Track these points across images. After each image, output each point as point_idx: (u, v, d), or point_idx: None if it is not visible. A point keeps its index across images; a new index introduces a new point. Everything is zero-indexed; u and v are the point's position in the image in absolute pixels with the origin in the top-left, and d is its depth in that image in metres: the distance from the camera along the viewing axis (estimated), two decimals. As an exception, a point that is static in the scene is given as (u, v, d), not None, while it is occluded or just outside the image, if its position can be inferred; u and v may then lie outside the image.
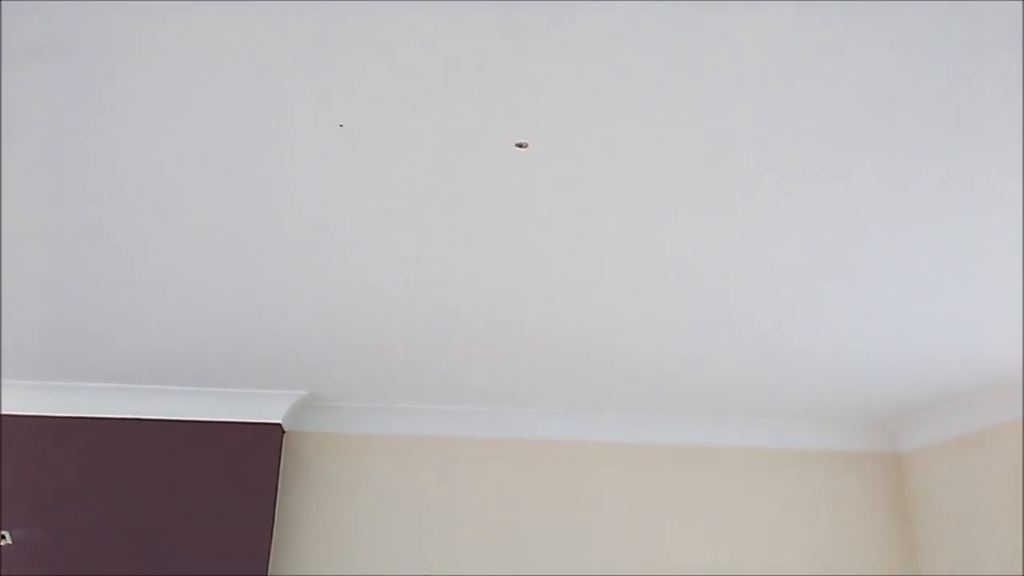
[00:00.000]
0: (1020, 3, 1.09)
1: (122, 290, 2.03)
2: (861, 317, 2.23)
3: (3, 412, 2.77)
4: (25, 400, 2.78)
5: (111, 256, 1.84)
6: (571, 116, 1.35)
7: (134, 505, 2.74)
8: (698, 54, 1.20)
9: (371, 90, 1.28)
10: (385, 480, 3.05)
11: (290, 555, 2.91)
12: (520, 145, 1.44)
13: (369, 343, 2.43)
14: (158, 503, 2.76)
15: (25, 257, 1.84)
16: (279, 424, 2.91)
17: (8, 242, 1.76)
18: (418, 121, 1.36)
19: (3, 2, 1.12)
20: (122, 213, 1.65)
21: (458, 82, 1.26)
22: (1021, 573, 2.77)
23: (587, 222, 1.70)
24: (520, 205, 1.63)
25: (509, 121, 1.36)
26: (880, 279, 1.99)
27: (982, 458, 2.99)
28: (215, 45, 1.18)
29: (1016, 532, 2.81)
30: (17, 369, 2.63)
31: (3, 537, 2.61)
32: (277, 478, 2.87)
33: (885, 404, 3.09)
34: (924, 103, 1.31)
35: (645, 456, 3.24)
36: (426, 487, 3.06)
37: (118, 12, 1.12)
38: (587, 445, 3.21)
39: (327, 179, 1.53)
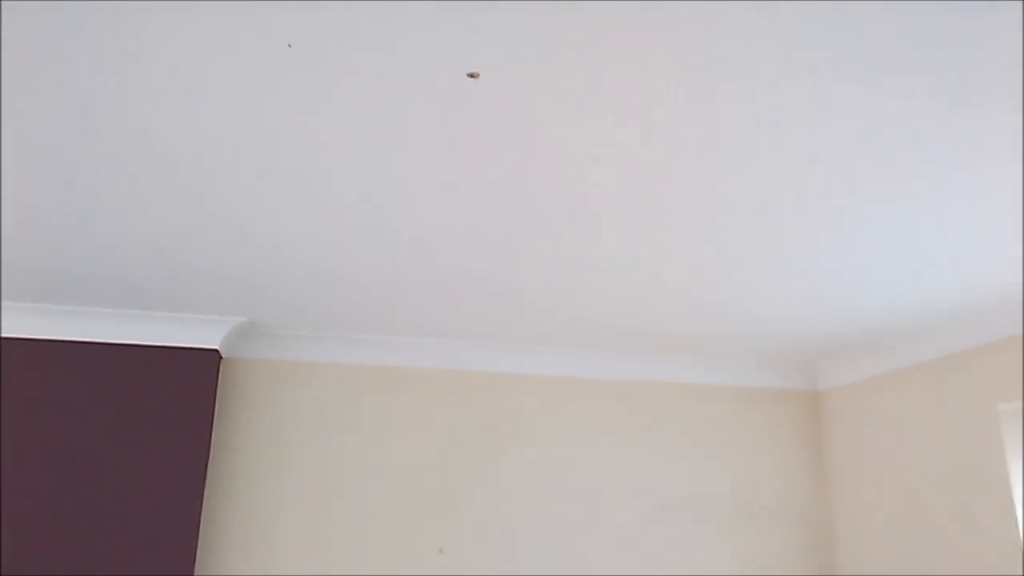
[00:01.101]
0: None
1: (54, 210, 1.96)
2: (785, 262, 2.32)
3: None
4: (-52, 319, 2.69)
5: (43, 177, 1.78)
6: (521, 48, 1.35)
7: (66, 430, 2.71)
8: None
9: (319, 11, 1.26)
10: (324, 409, 3.07)
11: (226, 482, 2.93)
12: (471, 75, 1.43)
13: (309, 271, 2.41)
14: (91, 427, 2.73)
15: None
16: (216, 350, 2.89)
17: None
18: (367, 46, 1.34)
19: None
20: (60, 136, 1.60)
21: (409, 11, 1.25)
22: (920, 504, 2.98)
23: (530, 155, 1.71)
24: (467, 136, 1.63)
25: (460, 51, 1.36)
26: (803, 226, 2.07)
27: (893, 398, 3.18)
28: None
29: (917, 467, 3.02)
30: (-61, 287, 2.54)
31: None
32: (214, 404, 2.86)
33: (806, 345, 3.24)
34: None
35: (581, 389, 3.34)
36: (365, 417, 3.10)
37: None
38: (525, 378, 3.29)
39: (274, 100, 1.50)
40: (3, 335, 2.73)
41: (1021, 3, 1.23)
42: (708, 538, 3.29)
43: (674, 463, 3.35)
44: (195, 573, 2.76)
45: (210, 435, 2.83)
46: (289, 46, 1.35)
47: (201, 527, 2.82)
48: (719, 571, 3.25)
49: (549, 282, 2.50)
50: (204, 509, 2.86)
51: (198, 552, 2.80)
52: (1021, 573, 2.56)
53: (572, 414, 3.30)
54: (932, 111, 1.52)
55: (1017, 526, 2.60)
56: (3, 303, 2.70)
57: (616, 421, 3.34)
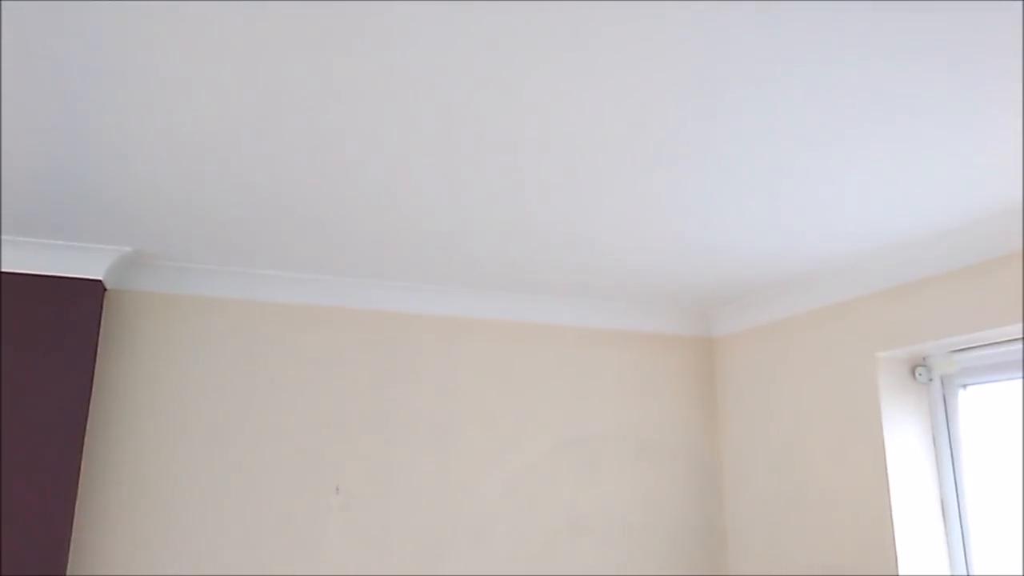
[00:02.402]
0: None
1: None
2: (682, 211, 2.36)
3: None
4: None
5: None
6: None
7: (-72, 360, 2.50)
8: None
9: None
10: (216, 346, 2.96)
11: (110, 421, 2.79)
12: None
13: (196, 200, 2.28)
14: (-43, 359, 2.53)
15: None
16: (99, 281, 2.72)
17: None
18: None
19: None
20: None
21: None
22: (800, 443, 3.16)
23: (409, 82, 1.65)
24: (349, 66, 1.57)
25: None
26: (698, 176, 2.11)
27: (781, 344, 3.34)
28: None
29: (800, 410, 3.19)
30: None
31: None
32: (97, 339, 2.70)
33: (703, 293, 3.34)
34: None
35: (478, 330, 3.34)
36: (258, 355, 3.00)
37: None
38: (425, 318, 3.26)
39: (159, 27, 1.39)
40: None
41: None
42: (602, 476, 3.39)
43: (570, 405, 3.42)
44: (75, 515, 2.63)
45: (93, 372, 2.67)
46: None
47: (82, 468, 2.69)
48: (612, 508, 3.36)
49: (446, 221, 2.47)
50: (86, 449, 2.72)
51: (79, 493, 2.67)
52: (888, 503, 2.76)
53: (469, 355, 3.30)
54: (834, 66, 1.56)
55: (884, 462, 2.80)
56: None
57: (513, 363, 3.37)
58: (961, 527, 2.77)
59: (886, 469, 2.79)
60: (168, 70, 1.59)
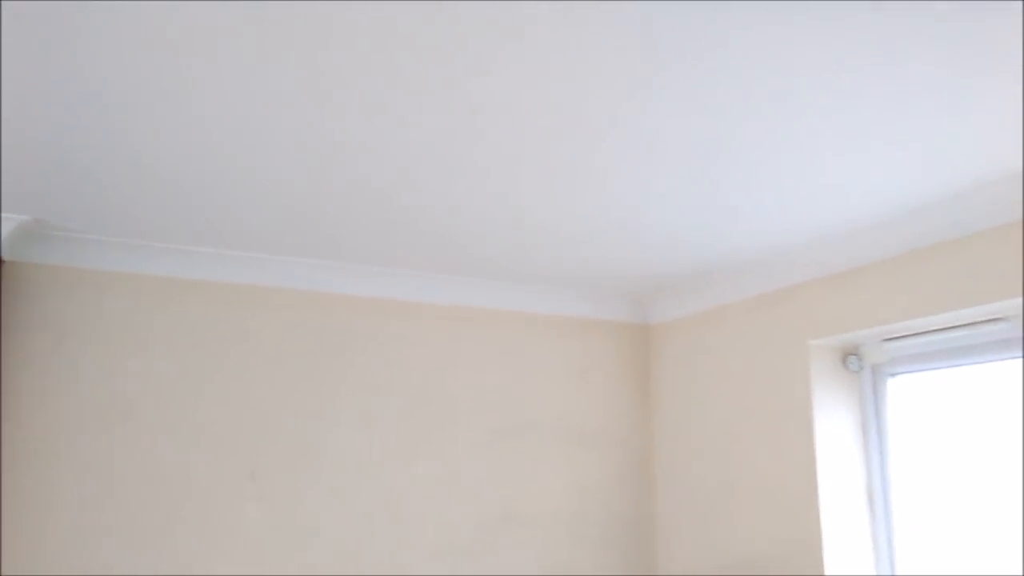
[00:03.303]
0: None
1: None
2: (618, 195, 2.30)
3: None
4: None
5: None
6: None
7: None
8: None
9: None
10: (124, 323, 2.77)
11: (8, 402, 2.59)
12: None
13: (101, 168, 2.12)
14: None
15: None
16: (-5, 252, 2.52)
17: None
18: None
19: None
20: None
21: None
22: (733, 429, 3.14)
23: (328, 53, 1.54)
24: (275, 38, 1.45)
25: None
26: (631, 165, 2.04)
27: (716, 332, 3.31)
28: None
29: (733, 396, 3.17)
30: None
31: None
32: (-7, 313, 2.51)
33: (638, 278, 3.29)
34: None
35: (411, 313, 3.23)
36: (171, 333, 2.83)
37: None
38: (349, 299, 3.13)
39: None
40: None
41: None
42: (535, 465, 3.32)
43: (504, 391, 3.33)
44: (-36, 501, 2.45)
45: (-13, 348, 2.49)
46: None
47: (-26, 451, 2.50)
48: (544, 497, 3.30)
49: (376, 198, 2.35)
50: (-22, 431, 2.53)
51: (-31, 478, 2.48)
52: (815, 491, 2.75)
53: (401, 338, 3.19)
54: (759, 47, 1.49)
55: (814, 450, 2.78)
56: None
57: (447, 347, 3.26)
58: (886, 515, 2.78)
59: (815, 457, 2.78)
60: (71, 20, 1.44)
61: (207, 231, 2.68)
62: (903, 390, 2.82)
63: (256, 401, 2.90)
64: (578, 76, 1.66)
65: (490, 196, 2.35)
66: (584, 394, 3.49)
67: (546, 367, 3.44)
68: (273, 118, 1.86)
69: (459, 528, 3.12)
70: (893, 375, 2.83)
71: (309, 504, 2.90)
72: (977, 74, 1.64)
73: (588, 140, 1.96)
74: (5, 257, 2.60)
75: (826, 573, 2.68)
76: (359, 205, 2.43)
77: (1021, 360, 2.41)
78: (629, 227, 2.61)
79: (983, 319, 2.47)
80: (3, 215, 2.48)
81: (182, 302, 2.86)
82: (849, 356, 2.91)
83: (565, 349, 3.50)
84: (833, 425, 2.84)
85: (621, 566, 3.40)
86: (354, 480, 2.99)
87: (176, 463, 2.75)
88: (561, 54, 1.57)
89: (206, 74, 1.66)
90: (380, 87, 1.71)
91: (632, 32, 1.50)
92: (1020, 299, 2.25)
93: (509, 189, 2.29)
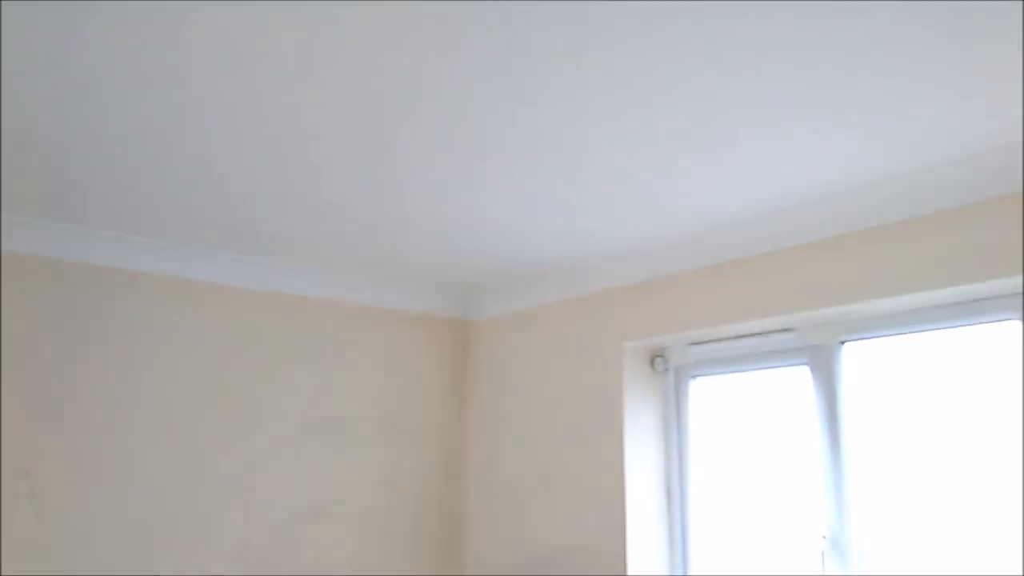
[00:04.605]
0: None
1: None
2: (438, 187, 2.29)
3: None
4: None
5: None
6: None
7: None
8: None
9: None
10: None
11: None
12: None
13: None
14: None
15: None
16: None
17: None
18: None
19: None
20: None
21: None
22: (547, 427, 3.22)
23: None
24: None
25: None
26: (468, 168, 2.04)
27: (535, 331, 3.37)
28: None
29: (549, 395, 3.25)
30: None
31: None
32: None
33: (459, 274, 3.28)
34: None
35: (218, 296, 3.01)
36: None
37: None
38: (147, 277, 2.85)
39: None
40: None
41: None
42: (346, 459, 3.22)
43: (317, 382, 3.20)
44: None
45: None
46: None
47: None
48: (354, 491, 3.21)
49: (184, 167, 2.17)
50: None
51: None
52: (622, 487, 2.87)
53: (204, 323, 2.96)
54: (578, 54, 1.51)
55: (622, 448, 2.91)
56: None
57: (255, 336, 3.08)
58: (682, 510, 2.95)
59: (623, 454, 2.91)
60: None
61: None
62: (703, 391, 3.01)
63: (33, 388, 2.57)
64: (392, 62, 1.61)
65: (309, 179, 2.23)
66: (400, 389, 3.44)
67: (361, 359, 3.34)
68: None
69: (262, 526, 2.96)
70: (695, 377, 3.02)
71: (90, 503, 2.62)
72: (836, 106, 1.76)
73: (393, 127, 1.92)
74: None
75: (628, 566, 2.81)
76: (161, 177, 2.23)
77: (807, 367, 2.65)
78: (452, 223, 2.60)
79: (775, 329, 2.69)
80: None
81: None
82: (656, 358, 3.07)
83: (383, 342, 3.42)
84: (640, 423, 2.99)
85: (429, 562, 3.38)
86: (145, 476, 2.73)
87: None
88: (384, 33, 1.52)
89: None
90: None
91: (455, 20, 1.47)
92: (806, 312, 2.47)
93: (331, 175, 2.20)
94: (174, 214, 2.54)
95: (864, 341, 2.53)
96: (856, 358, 2.56)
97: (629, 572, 2.81)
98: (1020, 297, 2.16)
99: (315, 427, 3.16)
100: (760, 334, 2.75)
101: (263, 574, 2.92)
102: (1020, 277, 2.04)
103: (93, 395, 2.68)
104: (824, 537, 2.51)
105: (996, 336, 2.25)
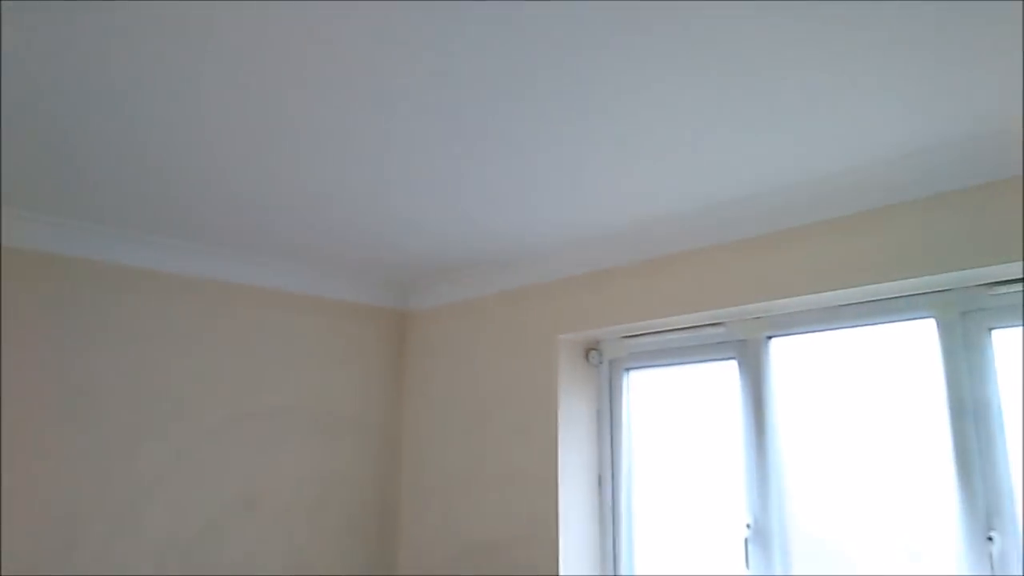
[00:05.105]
0: None
1: None
2: (381, 178, 2.26)
3: None
4: None
5: None
6: None
7: None
8: None
9: None
10: None
11: None
12: None
13: None
14: None
15: None
16: None
17: None
18: None
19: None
20: None
21: None
22: (484, 416, 3.23)
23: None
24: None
25: None
26: (400, 161, 2.02)
27: (472, 322, 3.37)
28: None
29: (486, 385, 3.25)
30: None
31: None
32: None
33: (399, 264, 3.27)
34: None
35: (148, 281, 2.94)
36: None
37: None
38: (73, 261, 2.78)
39: None
40: None
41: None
42: (279, 450, 3.18)
43: (250, 372, 3.15)
44: None
45: None
46: None
47: None
48: (287, 483, 3.17)
49: (116, 153, 2.11)
50: None
51: None
52: (555, 477, 2.90)
53: (133, 309, 2.89)
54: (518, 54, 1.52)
55: (556, 439, 2.94)
56: None
57: (188, 322, 3.02)
58: (614, 499, 3.00)
59: (557, 445, 2.93)
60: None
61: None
62: (636, 383, 3.06)
63: None
64: (349, 52, 1.59)
65: (245, 164, 2.19)
66: (336, 379, 3.41)
67: (296, 349, 3.30)
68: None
69: (191, 518, 2.91)
70: (628, 370, 3.06)
71: (6, 492, 2.54)
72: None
73: (339, 120, 1.90)
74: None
75: (560, 556, 2.84)
76: (97, 163, 2.16)
77: (735, 361, 2.71)
78: (392, 214, 2.58)
79: (705, 323, 2.74)
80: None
81: None
82: (591, 351, 3.11)
83: (320, 332, 3.39)
84: (574, 415, 3.02)
85: (362, 553, 3.37)
86: (61, 467, 2.65)
87: None
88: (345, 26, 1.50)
89: None
90: (146, 57, 1.52)
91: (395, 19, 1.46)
92: (734, 308, 2.53)
93: (269, 161, 2.16)
94: (100, 200, 2.46)
95: (790, 337, 2.61)
96: (782, 353, 2.63)
97: (560, 562, 2.84)
98: (935, 296, 2.25)
99: (247, 418, 3.11)
100: (691, 328, 2.80)
101: (189, 572, 2.87)
102: (935, 277, 2.12)
103: (8, 384, 2.59)
104: (748, 526, 2.58)
105: (912, 333, 2.34)
